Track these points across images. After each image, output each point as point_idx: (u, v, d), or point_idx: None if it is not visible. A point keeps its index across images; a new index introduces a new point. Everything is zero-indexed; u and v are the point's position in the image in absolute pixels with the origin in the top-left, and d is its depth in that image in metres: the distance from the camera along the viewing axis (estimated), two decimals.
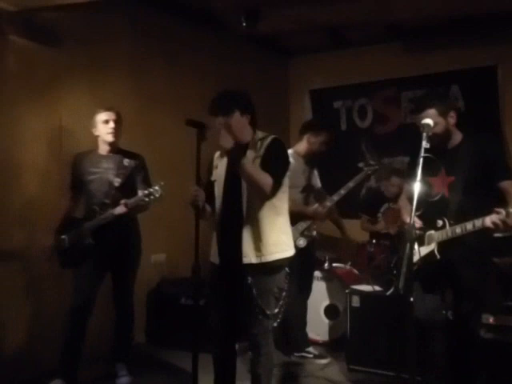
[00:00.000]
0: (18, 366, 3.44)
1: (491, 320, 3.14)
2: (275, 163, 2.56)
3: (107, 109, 3.39)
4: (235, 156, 2.47)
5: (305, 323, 4.09)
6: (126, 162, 3.36)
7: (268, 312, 2.58)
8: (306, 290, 4.05)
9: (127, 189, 3.29)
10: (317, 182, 4.07)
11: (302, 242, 3.70)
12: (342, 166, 5.44)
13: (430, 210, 2.68)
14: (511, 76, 4.67)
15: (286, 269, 2.67)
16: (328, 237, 4.75)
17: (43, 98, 3.64)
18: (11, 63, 3.47)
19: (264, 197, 2.53)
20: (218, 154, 2.74)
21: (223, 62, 4.88)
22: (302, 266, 3.60)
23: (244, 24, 4.31)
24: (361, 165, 3.99)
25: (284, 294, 2.65)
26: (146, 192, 3.14)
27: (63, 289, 3.54)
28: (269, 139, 2.62)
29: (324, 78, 5.59)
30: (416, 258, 2.65)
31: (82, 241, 3.23)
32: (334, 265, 4.55)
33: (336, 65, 5.50)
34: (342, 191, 3.76)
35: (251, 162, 2.54)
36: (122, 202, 3.19)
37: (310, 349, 4.03)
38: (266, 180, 2.47)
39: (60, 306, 3.46)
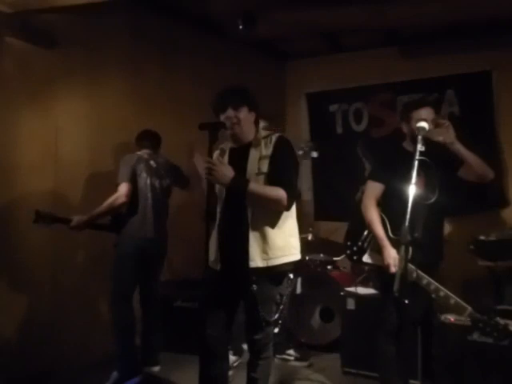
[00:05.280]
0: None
1: None
2: (286, 169, 2.49)
3: None
4: (238, 186, 2.40)
5: (284, 326, 4.08)
6: None
7: (269, 319, 2.55)
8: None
9: None
10: None
11: None
12: (338, 169, 5.48)
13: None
14: (506, 81, 4.69)
15: (290, 275, 2.65)
16: (323, 239, 4.76)
17: (39, 100, 3.64)
18: (7, 65, 3.46)
19: (283, 210, 2.48)
20: (217, 152, 2.66)
21: (220, 65, 4.89)
22: None
23: (241, 27, 4.32)
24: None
25: (284, 298, 2.62)
26: None
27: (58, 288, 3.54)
28: (274, 137, 2.54)
29: (320, 82, 5.60)
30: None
31: None
32: (329, 267, 4.56)
33: (332, 69, 5.52)
34: None
35: (256, 161, 2.48)
36: None
37: (291, 351, 4.03)
38: (279, 195, 2.41)
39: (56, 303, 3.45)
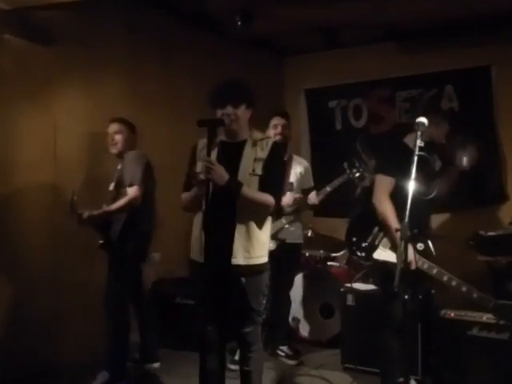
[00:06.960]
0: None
1: (484, 318, 3.16)
2: (278, 176, 2.61)
3: (110, 120, 3.50)
4: (232, 188, 2.43)
5: (283, 322, 4.07)
6: (119, 165, 3.49)
7: (258, 309, 2.59)
8: (285, 290, 4.02)
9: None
10: None
11: (272, 245, 3.47)
12: (337, 165, 5.47)
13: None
14: (505, 76, 4.69)
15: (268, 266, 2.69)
16: (323, 236, 4.76)
17: (37, 97, 3.63)
18: (5, 62, 3.46)
19: (268, 214, 2.58)
20: (201, 142, 2.59)
21: (219, 62, 4.88)
22: (278, 270, 3.53)
23: (239, 23, 4.31)
24: (345, 165, 4.00)
25: (267, 289, 2.69)
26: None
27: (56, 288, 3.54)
28: (270, 142, 2.58)
29: (319, 78, 5.59)
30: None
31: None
32: (329, 263, 4.56)
33: (331, 64, 5.51)
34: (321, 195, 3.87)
35: (251, 162, 2.49)
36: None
37: (285, 348, 4.02)
38: (268, 201, 2.50)
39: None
